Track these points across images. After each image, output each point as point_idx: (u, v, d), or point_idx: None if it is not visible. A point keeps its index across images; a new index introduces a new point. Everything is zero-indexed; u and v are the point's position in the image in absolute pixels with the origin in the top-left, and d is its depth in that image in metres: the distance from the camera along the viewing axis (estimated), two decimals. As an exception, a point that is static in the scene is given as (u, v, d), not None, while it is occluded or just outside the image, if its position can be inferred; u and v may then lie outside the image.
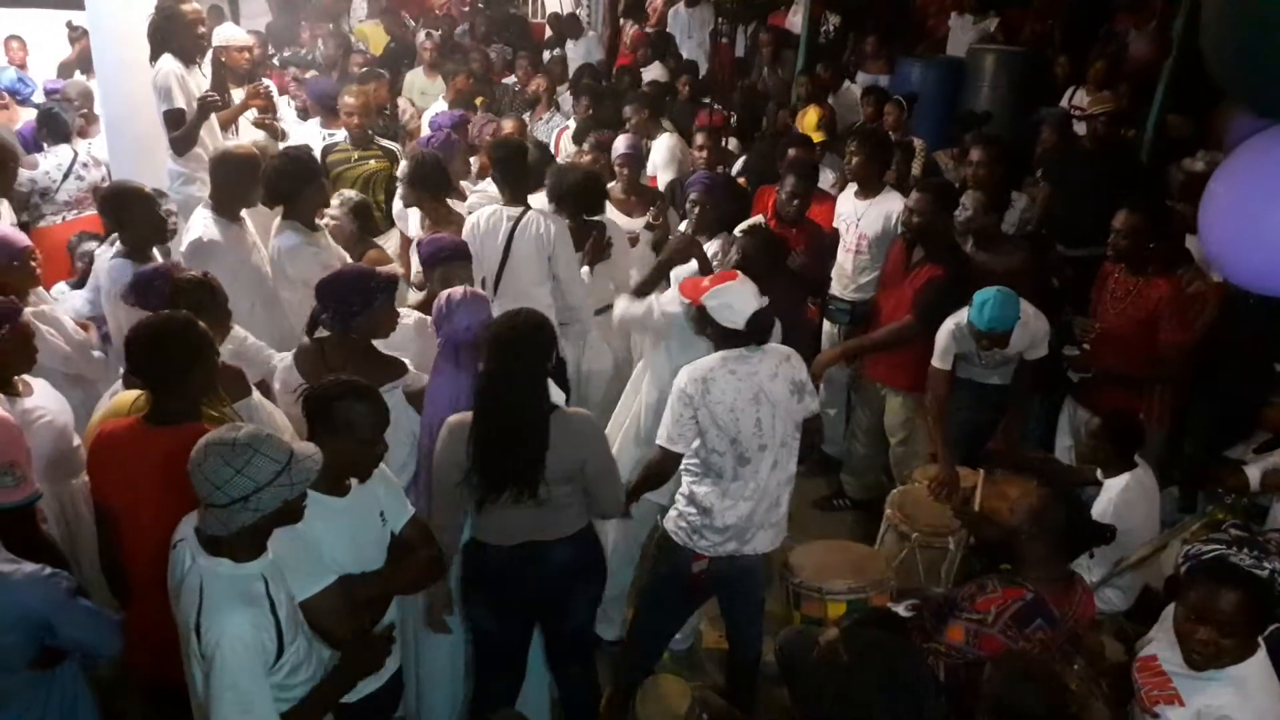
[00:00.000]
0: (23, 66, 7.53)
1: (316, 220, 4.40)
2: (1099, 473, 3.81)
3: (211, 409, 2.85)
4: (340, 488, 2.57)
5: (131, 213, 3.93)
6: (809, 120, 6.70)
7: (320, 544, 2.48)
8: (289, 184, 4.25)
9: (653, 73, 8.78)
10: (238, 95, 5.76)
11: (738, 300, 3.19)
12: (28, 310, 3.64)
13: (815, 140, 6.13)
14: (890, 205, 4.92)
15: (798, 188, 4.66)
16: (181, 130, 5.04)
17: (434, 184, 4.57)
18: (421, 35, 8.92)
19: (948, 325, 4.19)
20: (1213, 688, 2.42)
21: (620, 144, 5.38)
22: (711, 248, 4.81)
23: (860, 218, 5.00)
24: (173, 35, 5.03)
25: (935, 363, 4.24)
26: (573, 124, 6.73)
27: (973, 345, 4.16)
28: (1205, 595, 2.38)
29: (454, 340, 3.05)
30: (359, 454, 2.55)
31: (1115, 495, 3.53)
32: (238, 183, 4.16)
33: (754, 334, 3.20)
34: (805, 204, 4.67)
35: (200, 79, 5.23)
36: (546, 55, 9.70)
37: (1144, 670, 2.62)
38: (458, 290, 3.15)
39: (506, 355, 2.80)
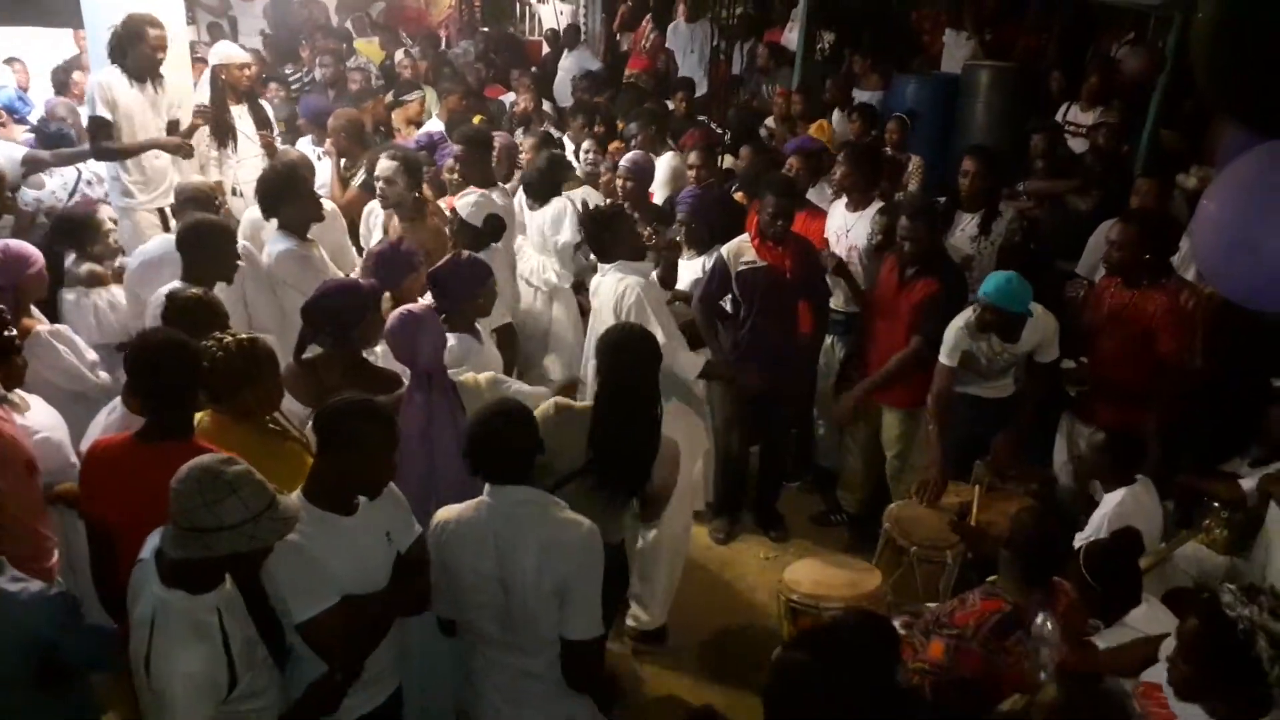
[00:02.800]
0: (26, 89, 7.52)
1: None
2: (1098, 487, 3.81)
3: (271, 421, 2.91)
4: (348, 506, 2.53)
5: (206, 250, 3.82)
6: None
7: (325, 563, 2.45)
8: (268, 198, 4.38)
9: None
10: (237, 111, 5.81)
11: (481, 200, 4.48)
12: (41, 327, 3.66)
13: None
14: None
15: (779, 206, 4.51)
16: (115, 145, 5.16)
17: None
18: (400, 54, 8.93)
19: (957, 322, 4.24)
20: None
21: (626, 160, 5.41)
22: (700, 263, 4.84)
23: (849, 229, 5.05)
24: (127, 51, 5.15)
25: (942, 358, 4.26)
26: (567, 140, 6.74)
27: (974, 340, 4.20)
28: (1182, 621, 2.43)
29: (424, 367, 3.06)
30: (369, 472, 2.51)
31: (1111, 510, 3.53)
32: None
33: (490, 233, 4.46)
34: (789, 221, 4.59)
35: (153, 97, 5.31)
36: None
37: (1147, 697, 2.60)
38: (409, 314, 3.14)
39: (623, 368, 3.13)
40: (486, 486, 2.59)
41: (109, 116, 5.11)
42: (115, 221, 4.62)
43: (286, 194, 4.34)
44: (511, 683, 2.64)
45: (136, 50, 5.15)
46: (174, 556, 2.13)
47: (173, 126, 5.48)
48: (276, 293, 4.28)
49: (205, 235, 3.81)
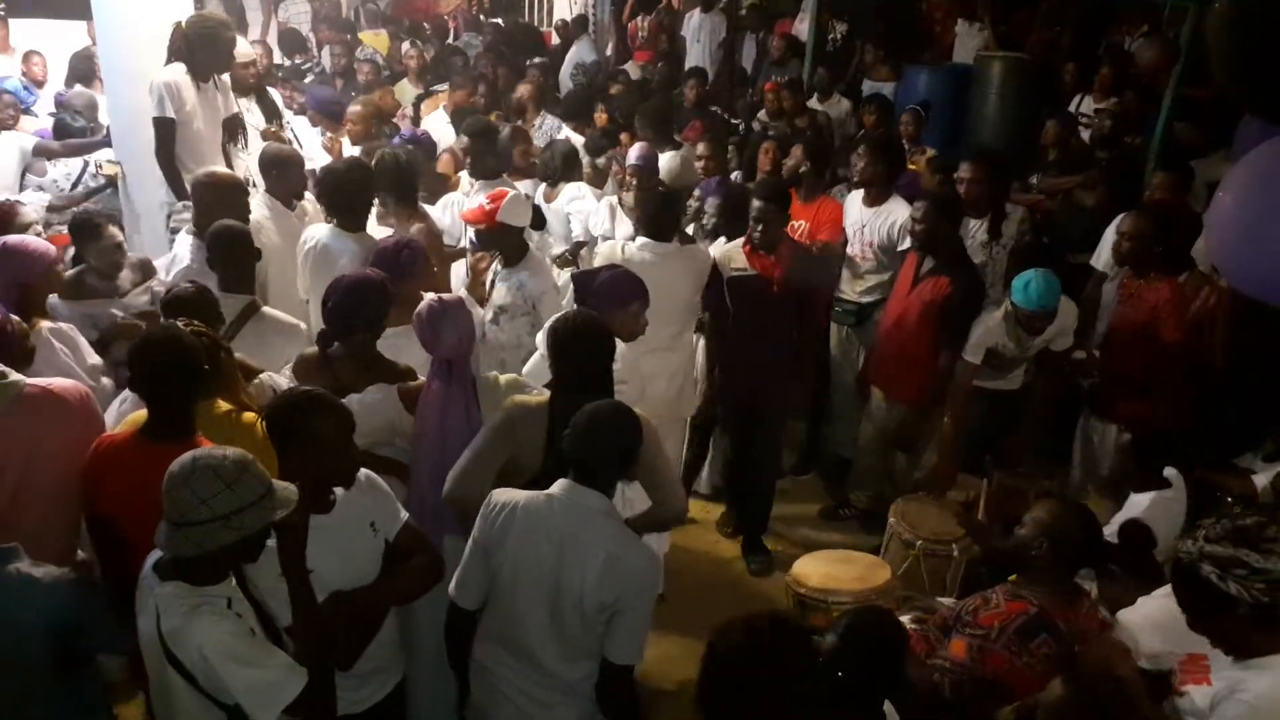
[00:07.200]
0: (41, 83, 7.49)
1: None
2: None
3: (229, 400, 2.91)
4: (324, 503, 2.50)
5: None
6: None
7: (308, 564, 2.41)
8: (350, 200, 4.29)
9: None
10: (245, 104, 5.80)
11: (520, 204, 4.14)
12: (45, 324, 3.58)
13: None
14: (895, 213, 4.94)
15: (763, 212, 4.32)
16: (176, 157, 5.01)
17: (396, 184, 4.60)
18: (406, 45, 8.92)
19: (988, 322, 4.25)
20: (1242, 672, 2.37)
21: (632, 154, 5.39)
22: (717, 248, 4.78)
23: (865, 225, 5.04)
24: (195, 51, 5.02)
25: (967, 356, 4.26)
26: (568, 131, 6.71)
27: (1006, 336, 4.19)
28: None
29: (444, 355, 3.05)
30: (330, 465, 2.47)
31: (1142, 512, 3.48)
32: (221, 206, 4.13)
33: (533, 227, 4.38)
34: (775, 228, 4.39)
35: (212, 96, 5.20)
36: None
37: (1192, 663, 2.57)
38: (436, 302, 3.12)
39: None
40: (561, 482, 2.54)
41: (175, 118, 4.98)
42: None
43: (366, 191, 4.33)
44: (539, 689, 2.58)
45: (208, 52, 5.03)
46: (191, 554, 2.10)
47: (231, 122, 5.34)
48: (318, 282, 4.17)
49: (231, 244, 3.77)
